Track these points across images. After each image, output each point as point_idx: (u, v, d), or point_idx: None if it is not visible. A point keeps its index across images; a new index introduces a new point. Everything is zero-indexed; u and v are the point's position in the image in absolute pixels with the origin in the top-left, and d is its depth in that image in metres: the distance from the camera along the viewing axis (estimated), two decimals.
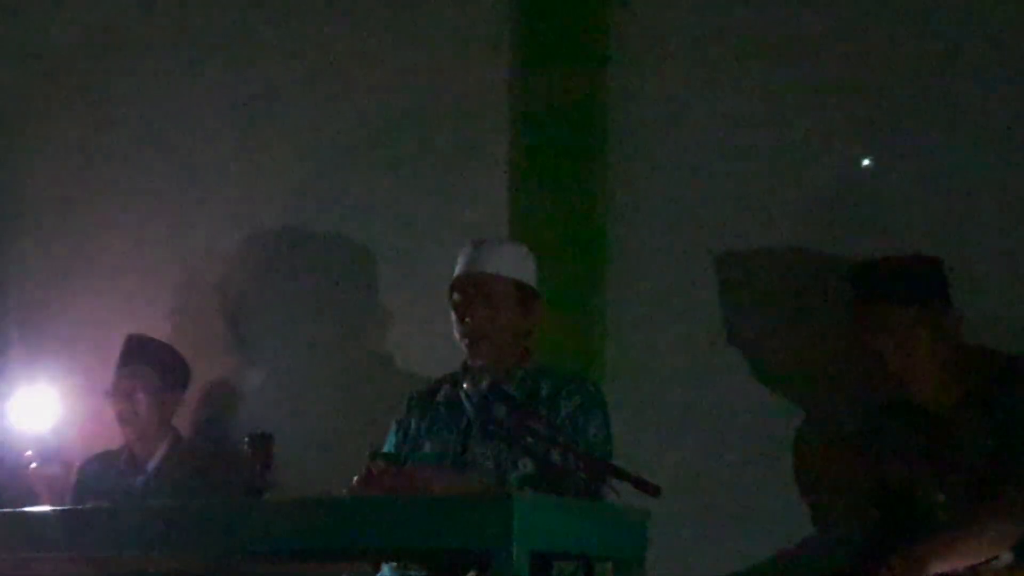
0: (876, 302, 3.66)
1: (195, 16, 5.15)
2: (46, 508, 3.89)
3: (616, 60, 4.51)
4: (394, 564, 3.71)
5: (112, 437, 4.69)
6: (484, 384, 3.79)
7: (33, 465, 4.38)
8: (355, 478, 3.41)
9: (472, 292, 3.84)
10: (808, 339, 4.20)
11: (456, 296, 3.87)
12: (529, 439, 3.70)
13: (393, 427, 3.96)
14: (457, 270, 3.90)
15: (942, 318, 3.64)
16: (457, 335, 3.86)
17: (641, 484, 3.39)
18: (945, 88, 4.17)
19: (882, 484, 3.75)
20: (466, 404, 3.86)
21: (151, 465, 4.61)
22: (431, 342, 4.28)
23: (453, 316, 3.87)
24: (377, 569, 3.79)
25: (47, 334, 5.08)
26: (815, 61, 4.30)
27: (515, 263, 3.89)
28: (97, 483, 4.59)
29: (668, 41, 4.49)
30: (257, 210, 4.99)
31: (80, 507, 4.17)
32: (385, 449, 3.84)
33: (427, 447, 3.86)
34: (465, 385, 3.86)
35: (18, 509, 3.57)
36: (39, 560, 3.49)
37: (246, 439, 3.58)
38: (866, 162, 4.20)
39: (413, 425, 3.92)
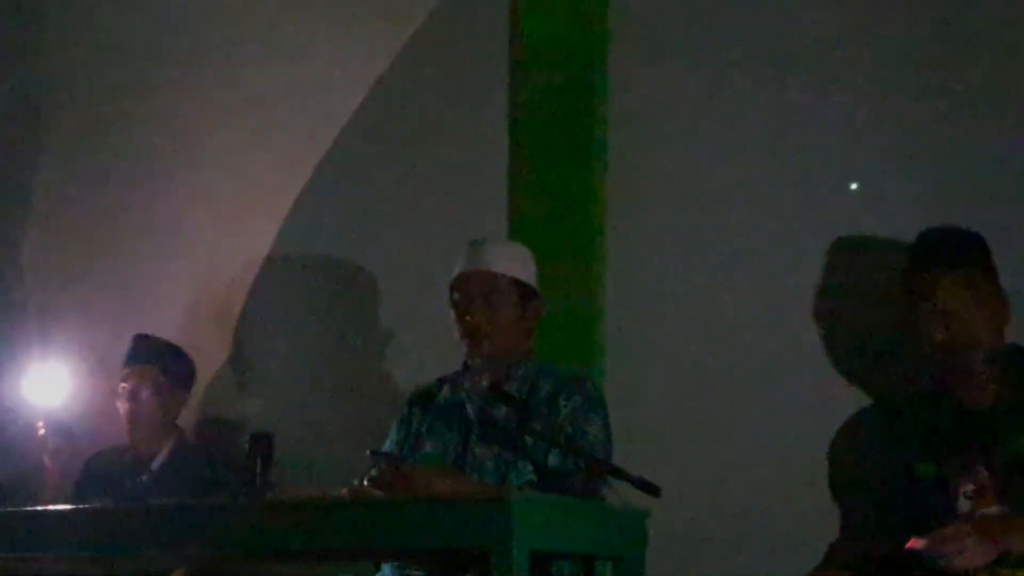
0: (927, 268, 3.65)
1: (198, 19, 5.15)
2: (48, 508, 3.90)
3: (616, 60, 4.51)
4: (394, 564, 3.72)
5: (116, 423, 4.72)
6: (484, 384, 3.80)
7: (41, 432, 4.46)
8: (355, 481, 3.41)
9: (472, 291, 3.84)
10: (813, 338, 4.20)
11: (456, 295, 3.87)
12: (529, 439, 3.71)
13: (394, 427, 3.96)
14: (457, 269, 3.90)
15: (989, 290, 3.62)
16: (457, 334, 3.86)
17: (641, 484, 3.39)
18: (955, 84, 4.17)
19: (908, 476, 3.73)
20: (467, 404, 3.86)
21: (156, 464, 4.61)
22: (431, 343, 4.28)
23: (453, 315, 3.88)
24: (377, 569, 3.80)
25: (61, 323, 5.09)
26: (814, 61, 4.30)
27: (515, 262, 3.89)
28: (102, 479, 4.61)
29: (668, 41, 4.49)
30: (260, 210, 5.00)
31: (83, 506, 4.18)
32: (385, 449, 3.85)
33: (428, 447, 3.86)
34: (465, 385, 3.87)
35: (20, 508, 3.58)
36: (41, 559, 3.51)
37: (247, 439, 3.59)
38: (853, 186, 4.20)
39: (414, 425, 3.92)
